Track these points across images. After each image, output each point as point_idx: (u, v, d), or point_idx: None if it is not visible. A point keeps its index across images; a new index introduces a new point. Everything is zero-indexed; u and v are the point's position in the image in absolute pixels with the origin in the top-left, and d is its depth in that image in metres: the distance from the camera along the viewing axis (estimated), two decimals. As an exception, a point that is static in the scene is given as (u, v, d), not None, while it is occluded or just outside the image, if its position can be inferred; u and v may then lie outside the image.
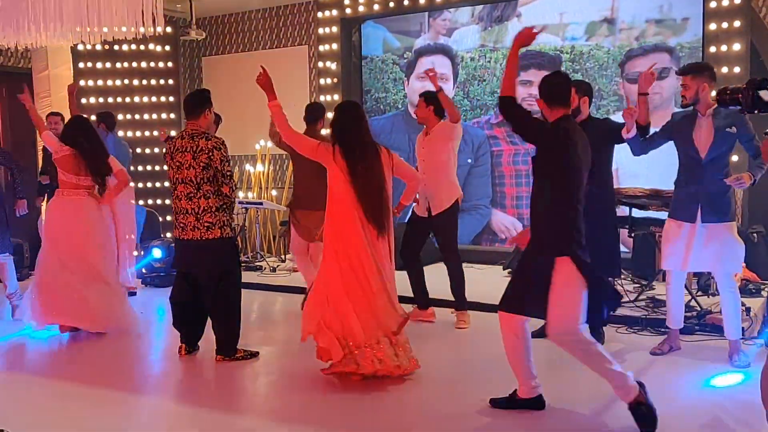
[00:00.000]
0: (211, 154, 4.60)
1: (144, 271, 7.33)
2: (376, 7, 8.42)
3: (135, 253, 6.22)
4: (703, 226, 4.37)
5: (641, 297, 5.86)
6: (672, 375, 4.30)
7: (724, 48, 6.59)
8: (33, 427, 3.59)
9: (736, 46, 6.55)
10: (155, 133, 8.80)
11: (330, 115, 4.85)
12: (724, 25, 6.60)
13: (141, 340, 5.50)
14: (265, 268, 8.04)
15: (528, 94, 7.48)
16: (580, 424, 3.62)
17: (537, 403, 3.73)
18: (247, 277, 6.41)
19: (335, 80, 8.63)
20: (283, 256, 8.62)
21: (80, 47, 8.38)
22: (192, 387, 4.48)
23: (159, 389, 4.45)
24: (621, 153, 4.80)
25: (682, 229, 4.45)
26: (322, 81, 8.78)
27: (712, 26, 6.66)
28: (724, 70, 6.44)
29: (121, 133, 7.78)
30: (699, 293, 5.77)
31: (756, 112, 2.46)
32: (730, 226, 4.40)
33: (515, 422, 3.65)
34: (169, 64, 9.10)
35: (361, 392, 4.12)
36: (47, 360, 5.02)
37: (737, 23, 6.57)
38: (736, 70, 6.48)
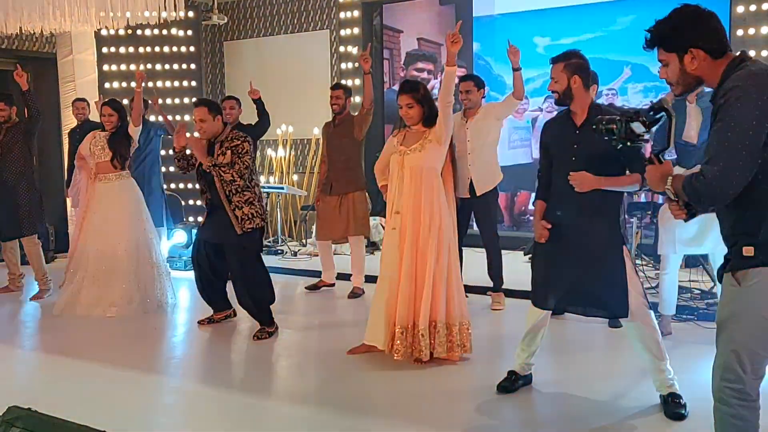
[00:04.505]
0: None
1: (167, 254, 7.40)
2: (397, -10, 8.40)
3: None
4: None
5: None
6: (697, 360, 4.25)
7: (752, 31, 6.48)
8: (59, 407, 3.64)
9: (765, 29, 6.43)
10: (177, 117, 8.84)
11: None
12: (752, 7, 6.48)
13: (163, 321, 5.56)
14: (286, 252, 8.09)
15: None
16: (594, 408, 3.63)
17: None
18: (268, 261, 6.44)
19: (356, 65, 8.61)
20: (304, 241, 8.66)
21: (104, 32, 8.42)
22: (212, 368, 4.53)
23: (180, 370, 4.51)
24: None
25: None
26: (343, 65, 8.77)
27: (740, 9, 6.55)
28: (752, 53, 6.32)
29: (152, 118, 7.85)
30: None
31: (628, 144, 2.45)
32: None
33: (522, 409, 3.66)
34: (191, 48, 9.12)
35: (380, 372, 4.15)
36: (72, 340, 5.10)
37: (766, 6, 6.45)
38: (764, 53, 6.37)
